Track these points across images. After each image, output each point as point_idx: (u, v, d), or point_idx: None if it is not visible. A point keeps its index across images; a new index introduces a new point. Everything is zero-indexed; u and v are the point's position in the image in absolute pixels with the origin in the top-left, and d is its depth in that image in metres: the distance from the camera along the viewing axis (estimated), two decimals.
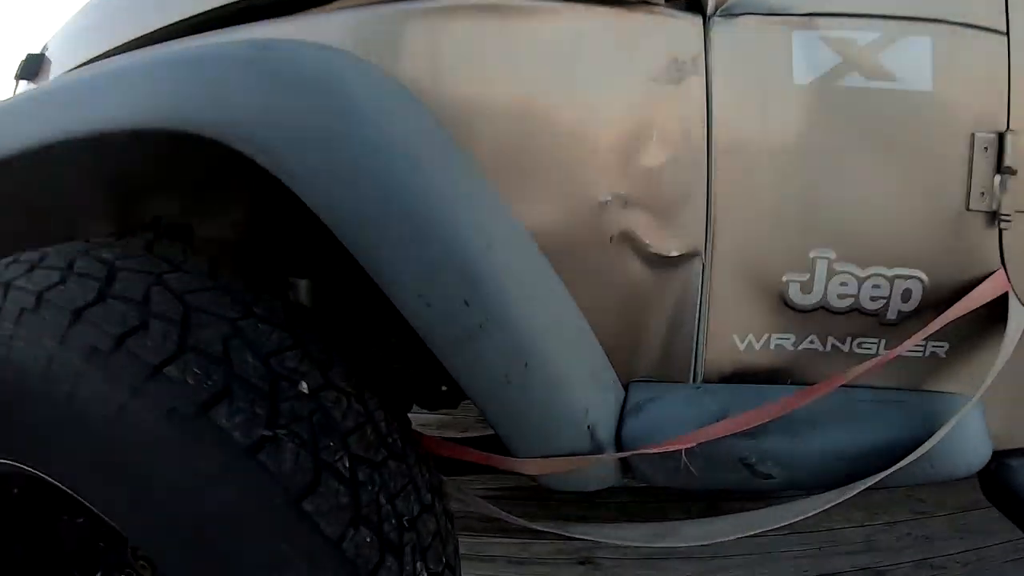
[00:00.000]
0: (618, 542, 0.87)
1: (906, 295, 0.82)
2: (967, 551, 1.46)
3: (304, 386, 0.63)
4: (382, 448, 0.67)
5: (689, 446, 0.74)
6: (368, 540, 0.58)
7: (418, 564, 0.63)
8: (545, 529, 0.84)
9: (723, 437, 0.76)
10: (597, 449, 0.77)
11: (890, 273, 0.81)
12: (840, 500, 0.77)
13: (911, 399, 0.85)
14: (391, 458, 0.67)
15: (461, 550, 1.52)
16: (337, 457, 0.61)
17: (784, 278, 0.81)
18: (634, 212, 0.77)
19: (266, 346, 0.63)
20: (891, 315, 0.83)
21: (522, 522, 0.84)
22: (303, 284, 0.98)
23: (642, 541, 0.91)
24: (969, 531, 1.52)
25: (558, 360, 0.73)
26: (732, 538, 0.85)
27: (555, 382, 0.73)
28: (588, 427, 0.76)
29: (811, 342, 0.84)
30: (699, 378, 0.84)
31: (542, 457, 0.75)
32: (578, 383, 0.75)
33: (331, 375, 0.67)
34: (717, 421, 0.77)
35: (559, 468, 0.76)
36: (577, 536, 0.86)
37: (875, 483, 0.79)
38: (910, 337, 0.79)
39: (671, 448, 0.75)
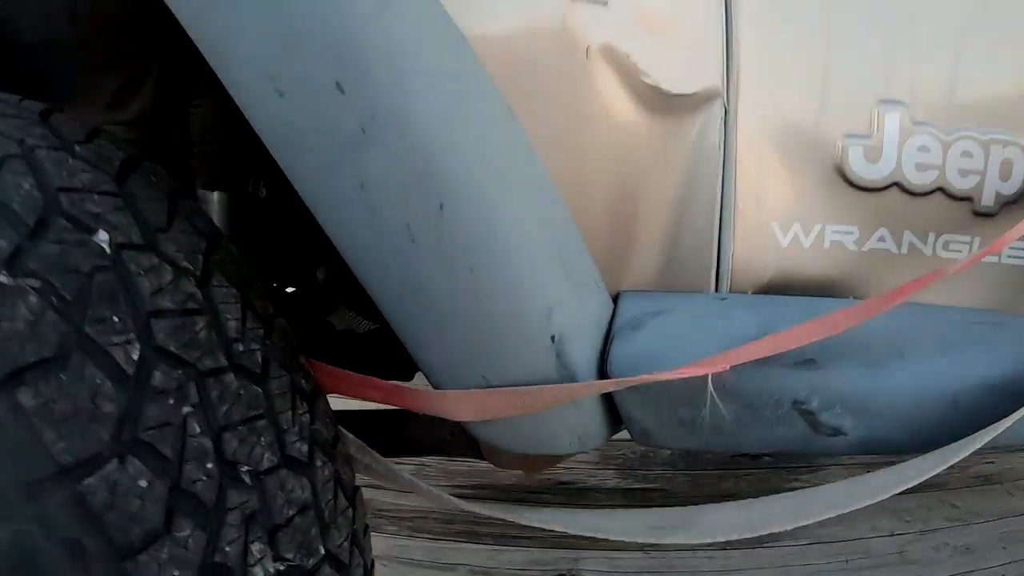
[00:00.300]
0: (603, 535, 0.59)
1: (1005, 169, 0.58)
2: (1012, 562, 1.27)
3: (103, 237, 0.38)
4: (219, 353, 0.40)
5: (721, 370, 0.47)
6: (143, 484, 0.31)
7: (254, 546, 0.35)
8: (489, 513, 0.56)
9: (769, 365, 0.50)
10: (568, 376, 0.50)
11: (983, 136, 0.57)
12: (951, 463, 0.51)
13: (1015, 323, 0.60)
14: (234, 371, 0.40)
15: (416, 556, 1.25)
16: (120, 340, 0.34)
17: (841, 140, 0.56)
18: (619, 18, 0.51)
19: (66, 181, 0.40)
20: (987, 200, 0.58)
21: (460, 503, 0.56)
22: (215, 197, 0.80)
23: (638, 536, 0.64)
24: (1012, 540, 1.33)
25: (496, 209, 0.44)
26: (769, 531, 0.57)
27: (491, 244, 0.44)
28: (553, 340, 0.49)
29: (881, 239, 0.58)
30: (724, 286, 0.57)
31: (478, 390, 0.48)
32: (533, 259, 0.47)
33: (160, 241, 0.41)
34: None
35: (504, 408, 0.48)
36: (537, 524, 0.58)
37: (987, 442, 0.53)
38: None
39: (690, 374, 0.48)
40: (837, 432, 0.52)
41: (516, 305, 0.46)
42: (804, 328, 0.49)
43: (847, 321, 0.49)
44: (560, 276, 0.49)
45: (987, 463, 1.53)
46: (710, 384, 0.48)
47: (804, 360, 0.52)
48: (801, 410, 0.52)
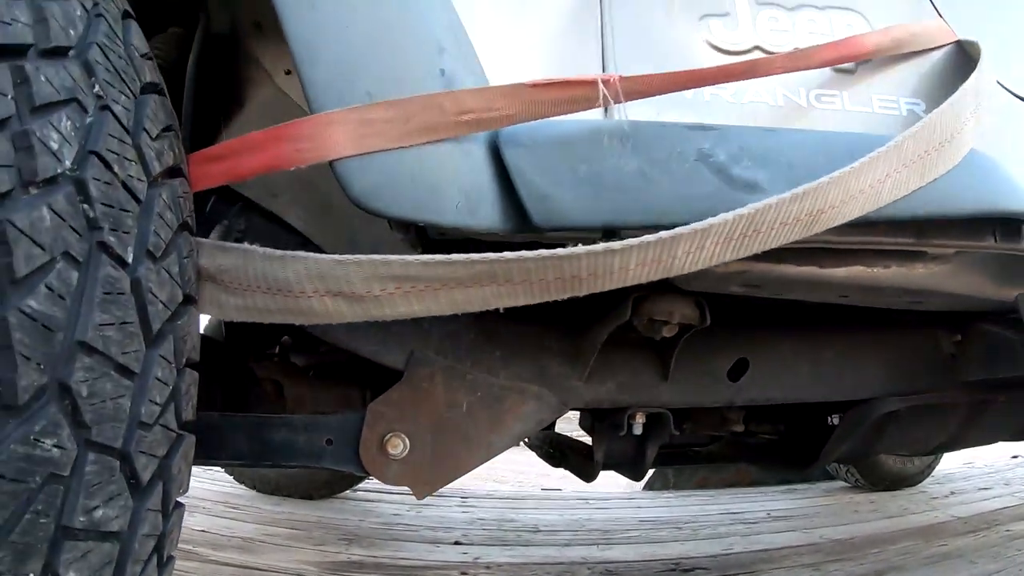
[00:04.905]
0: None
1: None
2: None
3: None
4: None
5: (609, 79, 0.46)
6: None
7: None
8: None
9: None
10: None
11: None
12: None
13: None
14: None
15: None
16: None
17: None
18: None
19: None
20: None
21: None
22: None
23: None
24: None
25: None
26: None
27: None
28: (442, 73, 0.47)
29: None
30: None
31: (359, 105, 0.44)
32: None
33: None
34: None
35: (386, 128, 0.43)
36: None
37: None
38: None
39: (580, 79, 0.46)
40: (754, 187, 0.50)
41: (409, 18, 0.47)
42: (688, 73, 0.50)
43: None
44: (450, 28, 0.50)
45: (940, 546, 1.41)
46: (601, 89, 0.46)
47: (699, 125, 0.51)
48: (710, 164, 0.49)
